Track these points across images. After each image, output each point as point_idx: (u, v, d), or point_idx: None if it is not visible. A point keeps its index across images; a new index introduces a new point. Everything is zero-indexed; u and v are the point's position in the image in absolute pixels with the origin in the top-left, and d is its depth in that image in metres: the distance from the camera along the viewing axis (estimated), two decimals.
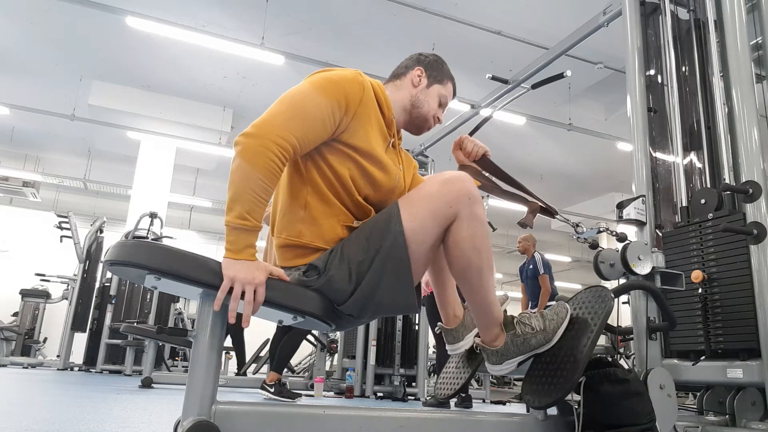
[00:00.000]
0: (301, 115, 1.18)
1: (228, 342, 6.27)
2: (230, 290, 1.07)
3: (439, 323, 1.59)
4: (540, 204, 1.60)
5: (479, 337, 1.41)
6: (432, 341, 5.79)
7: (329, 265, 1.23)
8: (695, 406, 2.11)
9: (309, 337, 5.68)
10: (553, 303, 5.91)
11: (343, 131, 1.27)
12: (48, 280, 8.21)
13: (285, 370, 4.24)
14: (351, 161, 1.28)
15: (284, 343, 4.01)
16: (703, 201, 2.07)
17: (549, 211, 1.63)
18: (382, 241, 1.22)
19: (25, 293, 9.54)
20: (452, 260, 1.28)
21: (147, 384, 4.31)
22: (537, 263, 5.84)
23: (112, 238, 6.97)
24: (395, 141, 1.42)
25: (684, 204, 2.20)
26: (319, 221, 1.27)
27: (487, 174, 1.58)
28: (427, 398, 4.46)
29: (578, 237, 1.74)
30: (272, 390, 3.91)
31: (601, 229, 1.84)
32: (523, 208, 1.61)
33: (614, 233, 1.86)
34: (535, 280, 5.85)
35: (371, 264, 1.21)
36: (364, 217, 1.31)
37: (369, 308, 1.25)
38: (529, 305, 5.93)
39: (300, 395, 4.16)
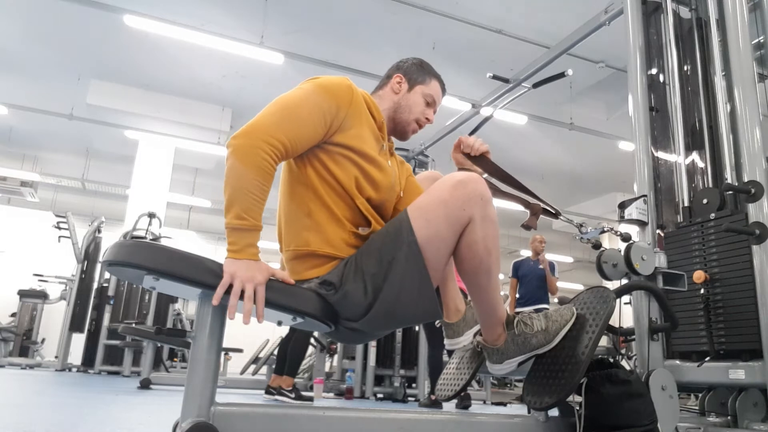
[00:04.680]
0: (291, 117, 1.20)
1: (227, 343, 6.24)
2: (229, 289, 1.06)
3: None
4: (542, 206, 1.59)
5: (481, 335, 1.40)
6: None
7: (345, 278, 1.22)
8: (697, 408, 2.10)
9: None
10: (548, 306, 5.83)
11: (336, 132, 1.28)
12: (46, 281, 8.20)
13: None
14: (351, 164, 1.28)
15: (293, 346, 4.01)
16: (705, 201, 2.06)
17: (551, 212, 1.62)
18: (395, 253, 1.20)
19: (23, 294, 9.52)
20: (462, 261, 1.27)
21: (145, 385, 4.30)
22: (554, 265, 5.88)
23: (110, 239, 6.97)
24: (387, 144, 1.43)
25: (686, 204, 2.19)
26: (324, 227, 1.27)
27: (486, 176, 1.56)
28: (422, 399, 4.45)
29: (581, 237, 1.73)
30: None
31: (605, 229, 1.83)
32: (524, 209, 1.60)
33: (618, 233, 1.85)
34: (542, 281, 5.85)
35: (386, 276, 1.20)
36: (365, 223, 1.30)
37: (389, 322, 1.25)
38: (519, 303, 5.90)
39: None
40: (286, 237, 1.32)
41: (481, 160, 1.53)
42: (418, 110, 1.47)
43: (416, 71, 1.49)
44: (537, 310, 1.59)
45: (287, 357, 4.02)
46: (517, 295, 5.98)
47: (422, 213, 1.22)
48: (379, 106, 1.43)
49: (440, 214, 1.21)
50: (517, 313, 1.43)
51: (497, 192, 1.58)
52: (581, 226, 1.71)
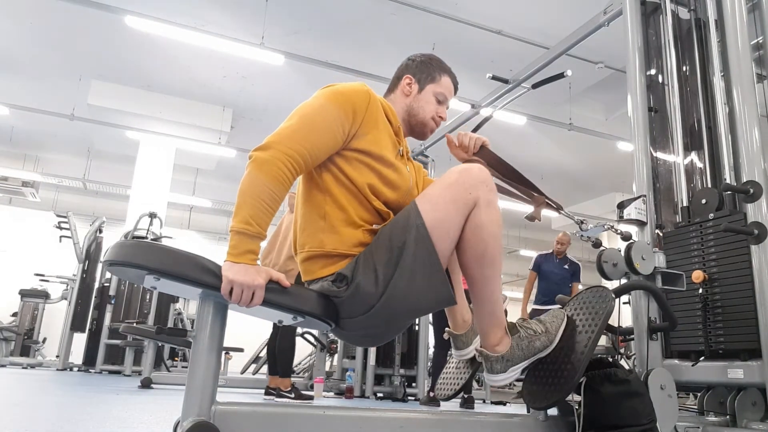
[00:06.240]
0: (311, 128, 1.22)
1: (228, 342, 6.24)
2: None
3: (447, 329, 1.57)
4: (545, 199, 1.60)
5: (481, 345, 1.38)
6: (432, 341, 5.77)
7: (356, 272, 1.23)
8: (696, 407, 2.10)
9: (309, 337, 5.67)
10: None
11: (353, 137, 1.30)
12: (47, 280, 8.21)
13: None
14: (367, 168, 1.30)
15: (280, 345, 3.99)
16: (703, 201, 2.06)
17: (553, 206, 1.63)
18: (405, 237, 1.22)
19: (24, 293, 9.53)
20: (468, 246, 1.27)
21: (146, 384, 4.31)
22: (579, 270, 5.72)
23: (111, 238, 6.98)
24: (404, 149, 1.44)
25: (685, 204, 2.19)
26: (339, 229, 1.28)
27: (491, 169, 1.57)
28: (422, 398, 4.45)
29: (582, 235, 1.74)
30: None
31: (606, 228, 1.83)
32: (528, 206, 1.61)
33: (619, 231, 1.86)
34: (566, 282, 5.62)
35: (397, 263, 1.21)
36: (382, 221, 1.31)
37: (402, 312, 1.24)
38: (539, 302, 5.61)
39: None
40: (300, 239, 1.34)
41: (481, 152, 1.55)
42: (431, 109, 1.49)
43: (425, 69, 1.50)
44: None
45: (276, 357, 4.02)
46: (535, 293, 5.68)
47: (429, 199, 1.26)
48: (394, 110, 1.44)
49: (447, 198, 1.24)
50: (523, 319, 1.43)
51: (500, 187, 1.59)
52: (582, 222, 1.72)
